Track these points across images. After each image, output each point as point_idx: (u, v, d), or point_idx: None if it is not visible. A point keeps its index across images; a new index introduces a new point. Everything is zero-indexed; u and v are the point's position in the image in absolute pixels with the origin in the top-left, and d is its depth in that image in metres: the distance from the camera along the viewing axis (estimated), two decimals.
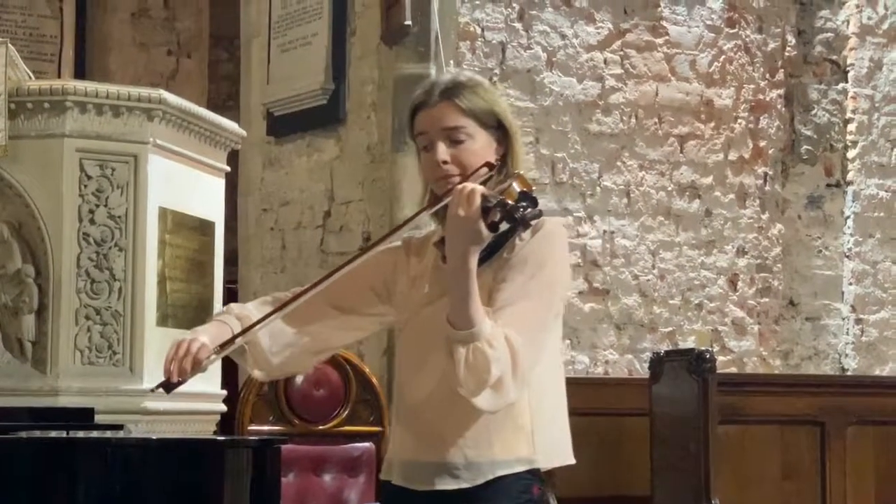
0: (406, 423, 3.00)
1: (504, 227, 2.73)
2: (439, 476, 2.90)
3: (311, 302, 3.02)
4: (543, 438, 2.92)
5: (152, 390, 3.09)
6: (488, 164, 2.92)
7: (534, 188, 2.80)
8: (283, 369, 3.16)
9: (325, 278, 3.00)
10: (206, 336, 3.00)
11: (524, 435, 2.90)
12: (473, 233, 2.74)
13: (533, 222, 2.76)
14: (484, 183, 2.86)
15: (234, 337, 3.01)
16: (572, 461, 3.02)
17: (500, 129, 2.98)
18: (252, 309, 3.10)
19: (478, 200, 2.73)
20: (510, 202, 2.72)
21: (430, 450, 2.92)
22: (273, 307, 3.07)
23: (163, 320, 5.49)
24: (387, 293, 3.08)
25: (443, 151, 2.93)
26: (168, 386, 2.99)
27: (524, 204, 2.71)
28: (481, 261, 2.81)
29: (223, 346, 3.00)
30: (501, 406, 2.82)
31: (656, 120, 7.72)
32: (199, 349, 2.96)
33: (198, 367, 2.97)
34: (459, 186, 2.78)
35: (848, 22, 8.40)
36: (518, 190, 2.77)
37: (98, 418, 5.01)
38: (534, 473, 2.91)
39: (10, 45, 5.39)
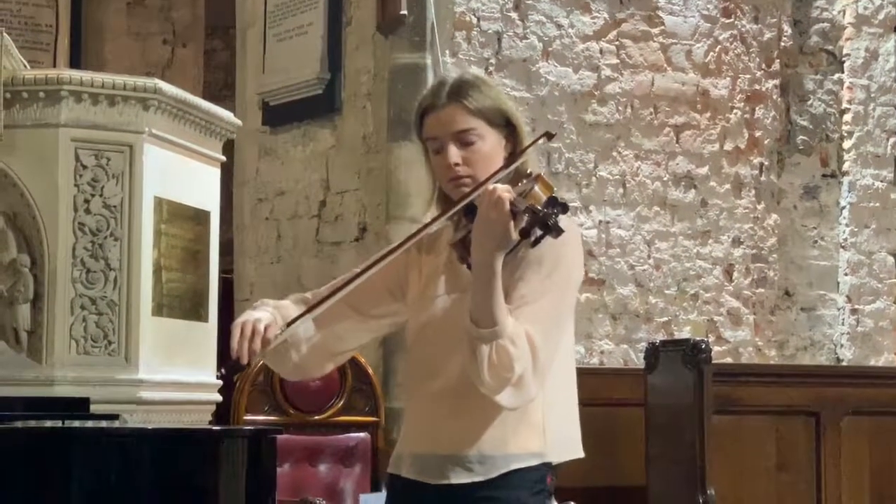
0: (420, 417, 3.00)
1: (536, 233, 2.72)
2: (453, 470, 2.91)
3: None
4: (554, 433, 2.95)
5: (218, 374, 3.06)
6: (511, 161, 2.94)
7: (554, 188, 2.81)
8: (302, 369, 3.14)
9: (353, 279, 3.00)
10: (265, 317, 2.95)
11: (536, 430, 2.92)
12: (502, 237, 2.75)
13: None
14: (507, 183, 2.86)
15: (303, 314, 2.98)
16: (581, 454, 3.04)
17: (507, 127, 2.99)
18: (286, 303, 3.08)
19: (507, 205, 2.73)
20: (540, 208, 2.72)
21: (444, 444, 2.93)
22: (303, 304, 3.06)
23: (158, 310, 5.48)
24: (400, 291, 3.09)
25: (454, 154, 2.94)
26: (235, 368, 2.93)
27: (555, 210, 2.71)
28: None
29: (289, 323, 2.97)
30: (523, 403, 2.84)
31: (652, 110, 7.72)
32: (266, 328, 2.92)
33: (266, 346, 2.92)
34: (490, 189, 2.78)
35: (844, 12, 8.40)
36: (543, 193, 2.77)
37: (93, 408, 5.01)
38: (546, 464, 2.94)
39: (5, 34, 5.38)
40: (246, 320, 2.93)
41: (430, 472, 2.94)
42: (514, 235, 2.74)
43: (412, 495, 2.98)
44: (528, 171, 2.90)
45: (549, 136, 2.97)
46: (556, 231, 2.71)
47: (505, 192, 2.75)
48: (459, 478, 2.90)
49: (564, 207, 2.72)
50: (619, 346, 7.54)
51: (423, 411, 2.99)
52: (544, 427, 2.93)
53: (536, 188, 2.78)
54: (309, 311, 2.99)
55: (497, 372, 2.77)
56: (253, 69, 8.16)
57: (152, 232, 5.45)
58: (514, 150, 2.98)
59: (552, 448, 2.94)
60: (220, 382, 5.87)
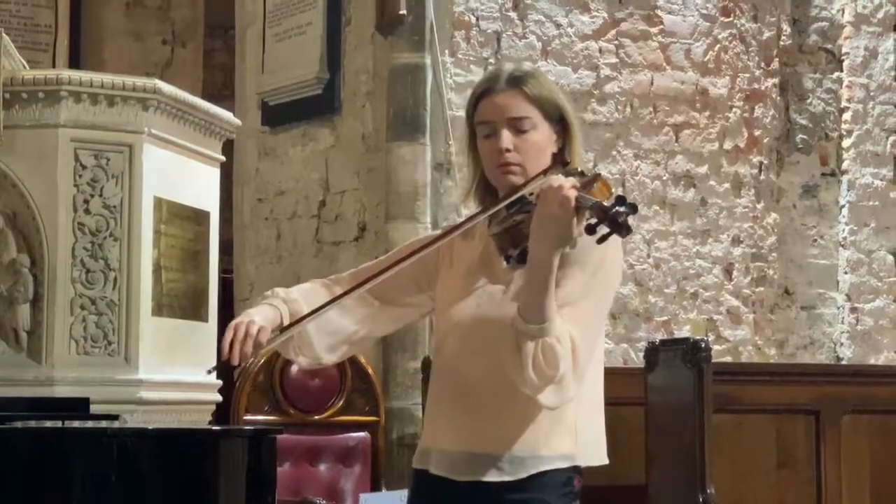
0: (452, 413, 2.95)
1: (603, 230, 2.63)
2: (483, 468, 2.88)
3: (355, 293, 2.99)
4: (585, 437, 2.93)
5: (209, 372, 3.05)
6: (558, 160, 2.87)
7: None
8: (329, 359, 3.12)
9: (382, 272, 2.96)
10: (260, 318, 2.93)
11: (568, 432, 2.90)
12: (565, 235, 2.70)
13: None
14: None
15: (297, 322, 2.96)
16: (606, 461, 3.01)
17: (560, 123, 2.96)
18: (298, 294, 3.06)
19: (573, 202, 2.67)
20: (608, 205, 2.62)
21: (476, 442, 2.90)
22: (319, 293, 3.05)
23: (158, 310, 5.48)
24: (427, 282, 3.06)
25: (507, 139, 2.90)
26: (227, 369, 2.93)
27: (623, 209, 2.61)
28: None
29: (283, 329, 2.95)
30: (562, 403, 2.81)
31: (651, 109, 7.72)
32: (259, 331, 2.90)
33: (259, 349, 2.91)
34: (555, 184, 2.71)
35: (843, 11, 8.40)
36: (604, 191, 2.68)
37: (93, 408, 5.01)
38: (575, 467, 2.93)
39: (4, 34, 5.38)
40: (240, 322, 2.92)
41: (459, 470, 2.91)
42: (577, 232, 2.68)
43: (438, 491, 2.95)
44: (578, 170, 2.82)
45: (564, 163, 2.87)
46: (626, 230, 2.61)
47: (571, 187, 2.69)
48: (490, 476, 2.87)
49: (634, 208, 2.62)
50: (619, 345, 7.55)
51: (452, 408, 2.94)
52: (576, 429, 2.91)
53: (597, 186, 2.70)
54: (313, 313, 2.97)
55: (541, 370, 2.74)
56: (252, 69, 8.16)
57: (152, 232, 5.45)
58: (563, 148, 2.93)
59: (582, 451, 2.93)
60: (220, 382, 5.87)
